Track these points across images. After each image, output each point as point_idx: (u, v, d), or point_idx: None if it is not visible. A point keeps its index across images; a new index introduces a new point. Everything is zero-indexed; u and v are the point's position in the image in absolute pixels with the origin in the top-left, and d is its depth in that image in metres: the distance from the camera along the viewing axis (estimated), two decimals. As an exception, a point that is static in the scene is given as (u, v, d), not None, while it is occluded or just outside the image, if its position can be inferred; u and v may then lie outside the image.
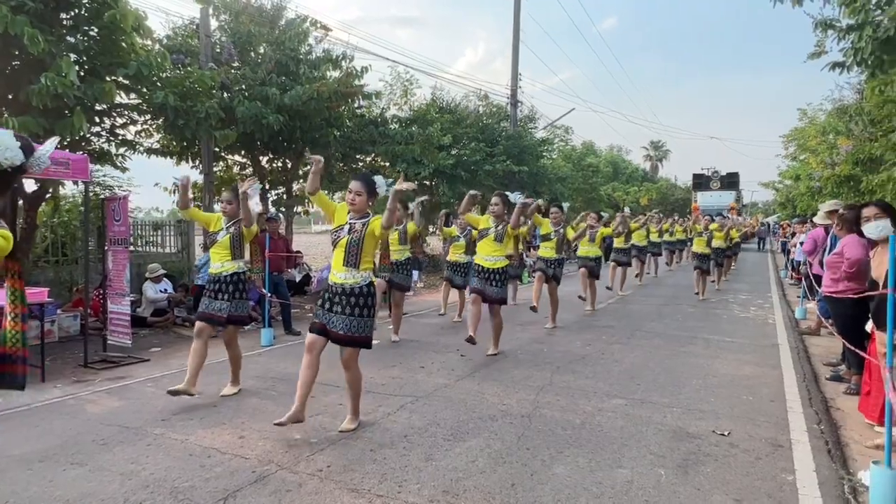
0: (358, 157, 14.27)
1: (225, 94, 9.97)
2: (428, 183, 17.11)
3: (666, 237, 16.77)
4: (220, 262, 4.89)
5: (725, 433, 4.09)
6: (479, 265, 6.41)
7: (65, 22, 7.27)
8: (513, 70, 19.88)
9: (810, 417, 4.49)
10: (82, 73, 7.36)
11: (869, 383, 4.35)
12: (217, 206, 12.93)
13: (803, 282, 9.80)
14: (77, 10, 7.15)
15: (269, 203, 12.93)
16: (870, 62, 7.47)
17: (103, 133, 8.68)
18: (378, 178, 4.06)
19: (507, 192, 6.45)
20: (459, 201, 18.25)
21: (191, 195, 5.02)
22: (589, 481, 3.29)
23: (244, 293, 4.98)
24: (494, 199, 6.39)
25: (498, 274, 6.28)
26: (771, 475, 3.43)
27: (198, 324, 4.84)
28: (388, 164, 14.93)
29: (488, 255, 6.35)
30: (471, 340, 6.13)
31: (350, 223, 4.02)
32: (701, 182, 32.39)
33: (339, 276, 3.96)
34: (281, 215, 12.18)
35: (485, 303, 6.35)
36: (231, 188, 5.19)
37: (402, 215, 7.35)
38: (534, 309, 7.93)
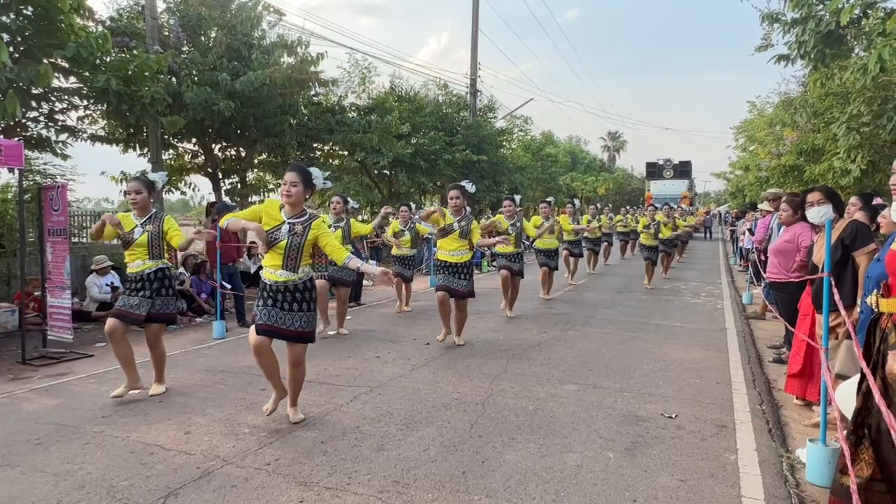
0: (315, 145, 14.03)
1: (173, 79, 9.62)
2: (387, 172, 17.00)
3: (619, 227, 16.96)
4: (140, 260, 4.50)
5: (673, 416, 4.19)
6: (443, 261, 6.26)
7: (-5, 0, 6.85)
8: (472, 59, 19.87)
9: (754, 398, 4.64)
10: (16, 55, 6.98)
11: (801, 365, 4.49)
12: (167, 196, 12.56)
13: (750, 268, 10.13)
14: (9, -12, 6.75)
15: (223, 193, 12.59)
16: (813, 55, 7.74)
17: (41, 118, 8.28)
18: (314, 170, 3.87)
19: (464, 183, 6.33)
20: (418, 190, 18.22)
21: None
22: (539, 467, 3.32)
23: (171, 289, 4.63)
24: (454, 193, 6.22)
25: (465, 268, 6.23)
26: (715, 455, 3.53)
27: (108, 323, 4.40)
28: (346, 152, 14.74)
29: (454, 250, 6.22)
30: (449, 334, 6.36)
31: (290, 223, 3.79)
32: (654, 171, 32.86)
33: (280, 274, 3.77)
34: (235, 205, 11.88)
35: (452, 297, 6.26)
36: (138, 177, 4.67)
37: (342, 209, 7.11)
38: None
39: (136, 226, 4.53)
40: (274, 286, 3.79)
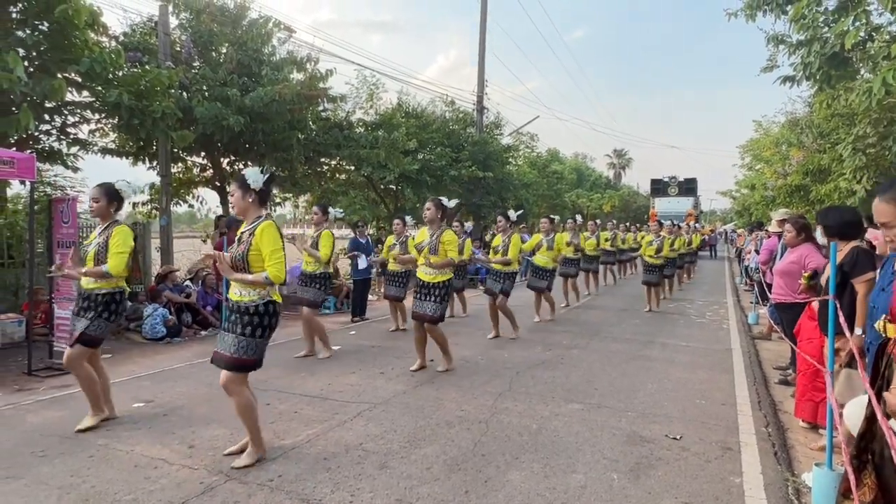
0: (322, 160, 14.12)
1: (184, 94, 9.75)
2: (393, 187, 17.07)
3: (619, 245, 15.77)
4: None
5: (677, 437, 4.16)
6: (419, 280, 5.87)
7: (13, 16, 7.01)
8: (479, 77, 20.01)
9: (759, 420, 4.60)
10: (31, 69, 7.10)
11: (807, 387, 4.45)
12: (175, 209, 12.66)
13: (755, 288, 10.08)
14: (26, 4, 6.89)
15: (230, 206, 12.66)
16: (818, 77, 7.78)
17: (53, 131, 8.40)
18: (248, 171, 3.60)
19: (442, 198, 6.02)
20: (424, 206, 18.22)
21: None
22: (542, 487, 3.30)
23: (115, 315, 4.20)
24: (427, 204, 5.88)
25: (437, 288, 5.73)
26: (719, 478, 3.50)
27: (66, 354, 4.11)
28: (352, 167, 14.84)
29: (428, 267, 5.83)
30: (423, 368, 5.91)
31: (240, 233, 3.59)
32: (659, 188, 32.27)
33: (235, 291, 3.52)
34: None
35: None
36: (100, 184, 4.22)
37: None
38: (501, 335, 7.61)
39: (95, 238, 4.22)
40: (230, 304, 3.53)
